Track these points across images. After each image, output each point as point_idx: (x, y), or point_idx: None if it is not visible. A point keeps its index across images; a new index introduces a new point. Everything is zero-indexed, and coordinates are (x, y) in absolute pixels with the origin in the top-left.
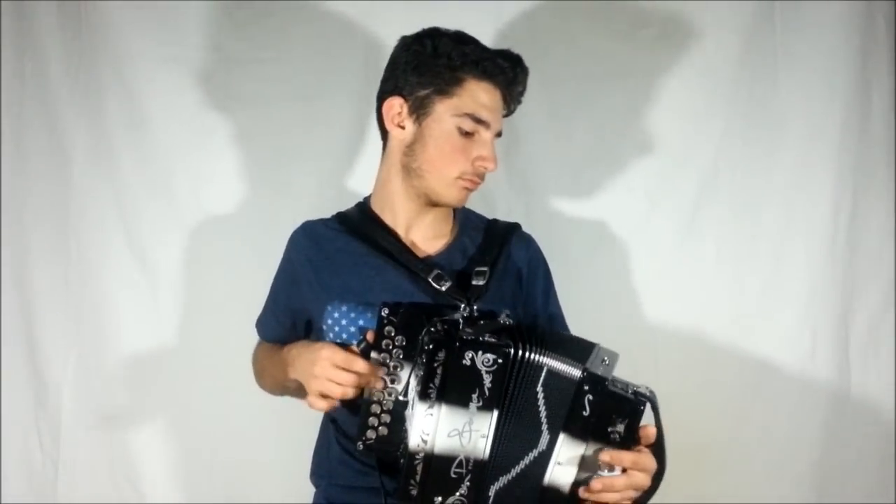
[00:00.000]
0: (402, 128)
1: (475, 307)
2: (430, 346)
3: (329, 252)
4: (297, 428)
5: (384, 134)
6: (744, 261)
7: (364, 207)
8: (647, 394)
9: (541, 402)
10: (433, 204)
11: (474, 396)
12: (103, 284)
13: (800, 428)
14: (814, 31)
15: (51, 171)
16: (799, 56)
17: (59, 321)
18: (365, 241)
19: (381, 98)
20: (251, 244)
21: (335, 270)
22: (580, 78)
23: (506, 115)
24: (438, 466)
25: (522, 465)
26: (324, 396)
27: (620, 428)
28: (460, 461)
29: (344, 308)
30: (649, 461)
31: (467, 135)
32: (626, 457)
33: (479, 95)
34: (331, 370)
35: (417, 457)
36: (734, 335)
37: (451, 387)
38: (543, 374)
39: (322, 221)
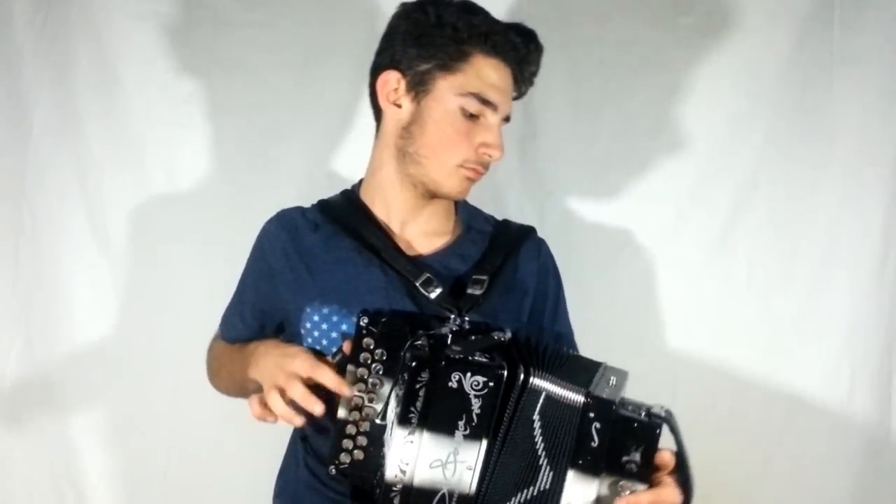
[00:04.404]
0: (399, 106)
1: (466, 319)
2: (413, 364)
3: (308, 246)
4: (263, 440)
5: (378, 113)
6: (779, 284)
7: (352, 196)
8: (663, 414)
9: (537, 431)
10: (431, 195)
11: (461, 423)
12: (58, 264)
13: (831, 474)
14: (876, 31)
15: (7, 134)
16: (857, 58)
17: (4, 302)
18: (350, 235)
19: (376, 72)
20: (226, 229)
21: (315, 267)
22: (610, 67)
23: (515, 98)
24: (417, 501)
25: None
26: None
27: (636, 456)
28: (442, 496)
29: (325, 310)
30: (670, 494)
31: (472, 117)
32: (643, 498)
33: (486, 73)
34: (292, 384)
35: (394, 489)
36: (763, 366)
37: (434, 412)
38: (541, 401)
39: (300, 210)
